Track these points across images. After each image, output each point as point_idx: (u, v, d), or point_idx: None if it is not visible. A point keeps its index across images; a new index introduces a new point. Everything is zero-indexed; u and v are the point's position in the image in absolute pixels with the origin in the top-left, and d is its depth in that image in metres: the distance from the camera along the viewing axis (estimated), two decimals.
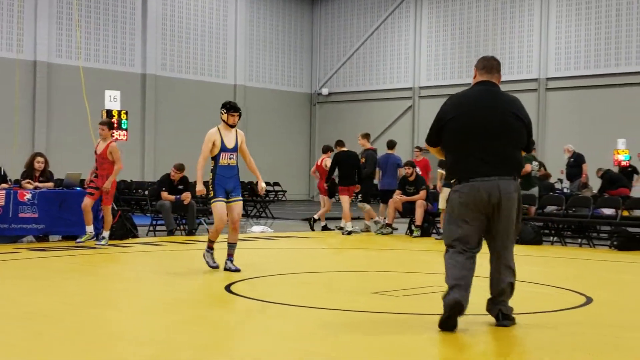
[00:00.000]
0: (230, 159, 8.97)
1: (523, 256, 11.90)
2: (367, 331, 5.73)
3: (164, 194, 14.44)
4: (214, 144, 8.91)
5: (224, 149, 8.94)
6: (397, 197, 15.42)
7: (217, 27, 32.02)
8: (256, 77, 33.53)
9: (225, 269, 9.00)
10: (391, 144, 17.06)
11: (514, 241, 5.97)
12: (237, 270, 8.91)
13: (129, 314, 6.25)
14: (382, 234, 15.38)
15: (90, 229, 11.88)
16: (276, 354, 4.89)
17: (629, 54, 26.42)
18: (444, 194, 14.32)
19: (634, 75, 26.28)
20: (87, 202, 11.80)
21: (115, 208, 13.42)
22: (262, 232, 15.37)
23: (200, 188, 8.93)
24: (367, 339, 5.44)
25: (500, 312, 5.91)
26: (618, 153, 21.11)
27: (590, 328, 5.95)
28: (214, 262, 9.15)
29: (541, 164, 15.75)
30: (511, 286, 5.94)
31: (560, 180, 21.82)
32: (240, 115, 9.04)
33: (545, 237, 14.32)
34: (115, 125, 13.65)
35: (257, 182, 9.38)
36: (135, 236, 13.55)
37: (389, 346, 5.20)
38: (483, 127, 5.73)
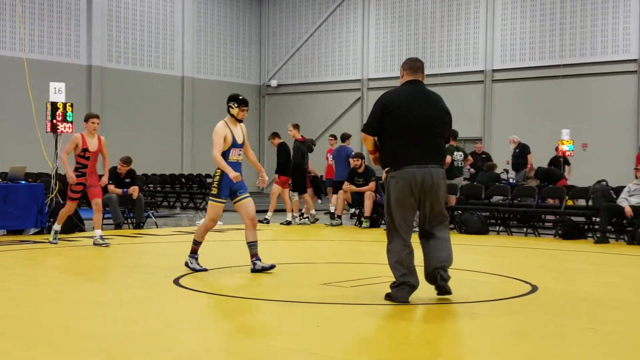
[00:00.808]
0: (239, 155, 8.31)
1: (469, 245, 12.07)
2: (316, 322, 5.75)
3: (111, 187, 14.25)
4: (224, 138, 8.27)
5: (234, 144, 8.30)
6: (346, 188, 15.49)
7: (164, 18, 31.66)
8: (204, 69, 33.25)
9: (255, 270, 8.12)
10: (344, 136, 17.16)
11: (445, 222, 6.66)
12: (273, 267, 8.16)
13: (75, 308, 6.16)
14: (332, 225, 15.42)
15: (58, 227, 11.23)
16: (223, 346, 4.87)
17: (573, 46, 26.92)
18: None
19: (578, 67, 26.77)
20: (71, 208, 11.01)
21: (61, 202, 13.20)
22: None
23: (235, 175, 8.03)
24: (315, 330, 5.46)
25: (439, 274, 6.55)
26: (562, 143, 21.44)
27: (535, 316, 6.07)
28: (202, 266, 8.35)
29: (465, 154, 15.93)
30: (449, 255, 6.61)
31: (506, 171, 22.14)
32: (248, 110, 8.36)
33: (491, 226, 14.54)
34: (60, 118, 13.38)
35: (260, 175, 8.72)
36: (82, 230, 13.35)
37: (337, 336, 5.23)
38: (419, 121, 6.44)
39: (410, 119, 6.43)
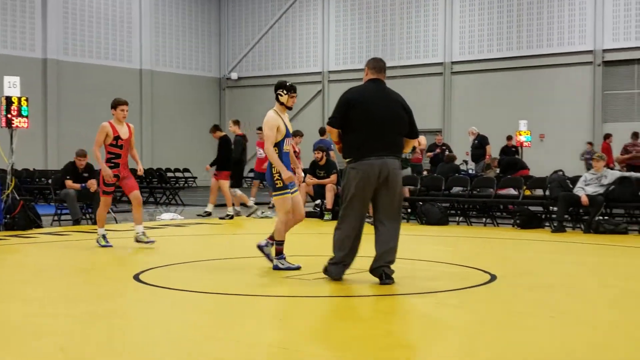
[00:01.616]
0: (289, 145, 8.02)
1: (430, 236, 12.16)
2: (277, 315, 5.75)
3: (69, 183, 14.05)
4: (278, 129, 7.88)
5: (287, 134, 7.93)
6: (308, 181, 15.49)
7: (121, 9, 31.27)
8: (163, 62, 32.96)
9: (274, 269, 7.89)
10: (322, 130, 17.14)
11: (399, 212, 7.09)
12: (299, 267, 7.90)
13: (32, 306, 6.07)
14: None
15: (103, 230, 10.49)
16: (186, 343, 4.85)
17: (530, 37, 27.23)
18: None
19: (535, 58, 27.10)
20: (108, 203, 10.27)
21: (17, 198, 13.00)
22: (171, 219, 15.17)
23: (288, 176, 7.76)
24: (276, 323, 5.45)
25: (384, 272, 6.97)
26: (520, 134, 21.72)
27: (494, 305, 6.14)
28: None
29: (412, 148, 16.20)
30: (394, 249, 7.01)
31: (465, 162, 22.36)
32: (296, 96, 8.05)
33: (451, 217, 14.67)
34: (15, 112, 13.16)
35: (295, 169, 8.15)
36: (39, 226, 13.16)
37: (300, 329, 5.23)
38: (380, 116, 6.95)
39: (371, 114, 6.94)
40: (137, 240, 10.18)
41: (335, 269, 7.17)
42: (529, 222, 13.36)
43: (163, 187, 21.66)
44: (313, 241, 12.05)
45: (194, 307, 6.09)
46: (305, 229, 13.96)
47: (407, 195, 14.77)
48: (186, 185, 26.67)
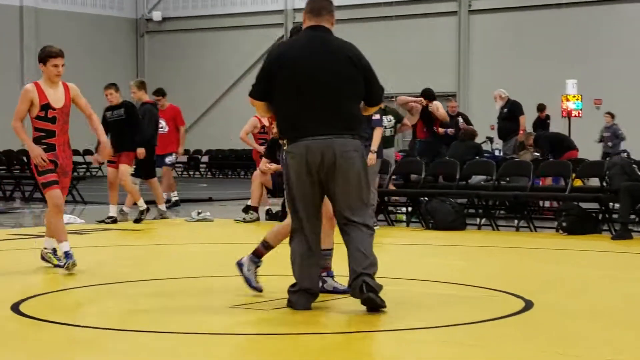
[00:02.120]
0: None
1: (439, 246, 12.20)
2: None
3: None
4: None
5: None
6: (265, 167, 15.37)
7: None
8: None
9: (325, 291, 7.76)
10: None
11: (364, 214, 7.10)
12: (347, 292, 7.58)
13: None
14: (245, 221, 15.41)
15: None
16: None
17: None
18: None
19: None
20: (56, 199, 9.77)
21: None
22: (67, 223, 15.08)
23: None
24: None
25: (365, 283, 6.93)
26: (567, 99, 21.88)
27: (530, 343, 6.17)
28: (258, 284, 8.07)
29: (398, 118, 15.99)
30: (367, 257, 7.01)
31: (490, 140, 22.46)
32: None
33: (469, 218, 14.72)
34: None
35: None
36: None
37: None
38: (311, 78, 7.00)
39: (303, 77, 7.02)
40: (43, 258, 9.86)
41: (299, 299, 7.20)
42: (579, 225, 13.44)
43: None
44: (272, 254, 12.01)
45: (95, 351, 6.07)
46: (260, 237, 13.92)
47: (375, 186, 14.12)
48: (88, 174, 26.54)
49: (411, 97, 17.88)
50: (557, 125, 21.85)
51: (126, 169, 14.97)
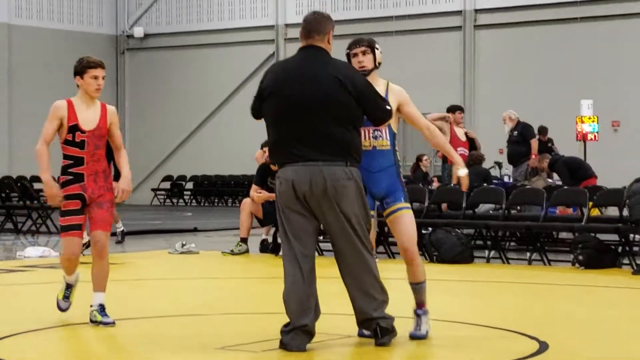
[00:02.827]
0: (374, 137, 7.84)
1: (444, 281, 12.14)
2: None
3: None
4: None
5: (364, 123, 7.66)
6: (255, 195, 15.38)
7: None
8: (27, 11, 32.74)
9: (416, 337, 7.68)
10: None
11: (361, 248, 7.19)
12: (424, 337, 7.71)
13: None
14: (233, 253, 15.37)
15: None
16: None
17: None
18: None
19: (603, 4, 27.26)
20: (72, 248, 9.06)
21: None
22: (41, 256, 15.04)
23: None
24: None
25: (379, 327, 7.18)
26: (582, 121, 21.89)
27: None
28: None
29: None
30: (384, 299, 7.25)
31: (499, 165, 22.44)
32: (365, 52, 7.89)
33: (477, 251, 14.69)
34: None
35: None
36: None
37: None
38: (301, 101, 7.13)
39: (287, 102, 7.18)
40: (92, 321, 8.47)
41: (293, 339, 7.13)
42: (597, 258, 13.41)
43: (27, 207, 21.48)
44: (261, 290, 11.99)
45: None
46: (251, 272, 13.91)
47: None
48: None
49: (441, 114, 17.51)
50: (571, 150, 21.78)
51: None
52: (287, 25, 32.15)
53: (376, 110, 7.28)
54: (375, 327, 7.19)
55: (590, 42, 27.20)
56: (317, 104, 7.12)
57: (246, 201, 15.69)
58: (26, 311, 9.65)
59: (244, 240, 15.58)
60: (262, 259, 15.20)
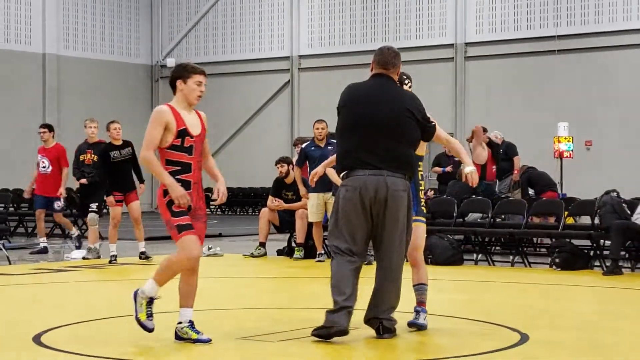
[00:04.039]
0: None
1: (438, 281, 12.15)
2: None
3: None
4: None
5: None
6: (273, 205, 15.44)
7: None
8: (74, 44, 32.82)
9: (414, 324, 7.86)
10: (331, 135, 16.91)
11: (402, 252, 7.35)
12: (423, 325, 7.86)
13: None
14: (253, 255, 15.38)
15: None
16: None
17: (570, 11, 27.44)
18: (312, 201, 14.38)
19: (577, 39, 27.24)
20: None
21: None
22: (84, 258, 15.05)
23: None
24: None
25: (382, 325, 7.27)
26: (559, 141, 21.89)
27: None
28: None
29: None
30: (394, 305, 7.38)
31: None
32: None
33: (466, 254, 14.69)
34: None
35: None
36: None
37: None
38: (372, 119, 7.25)
39: (361, 118, 7.28)
40: (180, 337, 7.31)
41: (339, 317, 7.12)
42: (572, 261, 13.41)
43: (73, 214, 21.50)
44: (278, 288, 12.01)
45: None
46: (268, 272, 13.93)
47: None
48: (105, 211, 26.36)
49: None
50: (549, 166, 21.84)
51: (139, 206, 14.66)
52: (300, 57, 32.18)
53: (430, 129, 7.58)
54: (378, 325, 7.26)
55: (566, 72, 27.21)
56: (387, 122, 7.25)
57: (264, 210, 15.72)
58: (70, 303, 9.66)
59: (263, 245, 15.59)
60: (278, 261, 15.22)
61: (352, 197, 7.15)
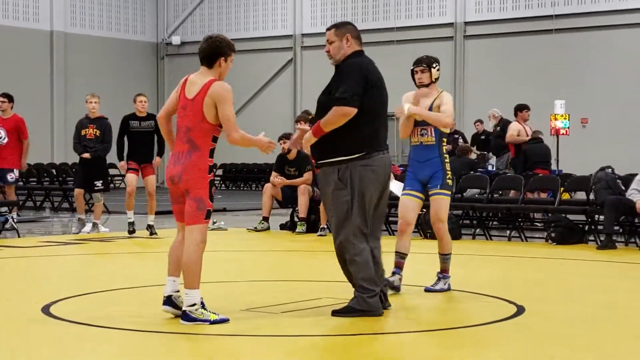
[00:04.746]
0: (421, 135, 8.47)
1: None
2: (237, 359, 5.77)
3: None
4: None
5: (415, 122, 8.50)
6: (276, 180, 15.48)
7: None
8: (81, 21, 32.75)
9: (428, 290, 8.52)
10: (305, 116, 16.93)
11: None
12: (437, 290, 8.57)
13: None
14: (256, 230, 15.43)
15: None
16: None
17: None
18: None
19: (574, 18, 27.19)
20: None
21: None
22: (89, 232, 15.07)
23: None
24: None
25: (382, 294, 7.24)
26: (556, 118, 21.84)
27: (521, 346, 6.19)
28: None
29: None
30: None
31: (484, 155, 22.43)
32: (424, 70, 8.59)
33: (464, 229, 14.72)
34: None
35: None
36: None
37: None
38: (386, 99, 7.26)
39: (386, 97, 7.25)
40: (190, 318, 6.87)
41: (378, 303, 7.11)
42: (567, 235, 13.45)
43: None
44: (281, 261, 12.05)
45: (117, 349, 6.08)
46: (272, 245, 13.97)
47: None
48: (112, 185, 26.43)
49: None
50: (546, 143, 21.86)
51: (154, 180, 14.56)
52: (303, 35, 32.11)
53: None
54: (379, 294, 7.23)
55: (563, 51, 27.18)
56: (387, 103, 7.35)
57: (267, 186, 15.75)
58: (78, 275, 9.70)
59: (266, 219, 15.63)
60: (281, 235, 15.27)
61: (377, 178, 7.09)
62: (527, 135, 17.43)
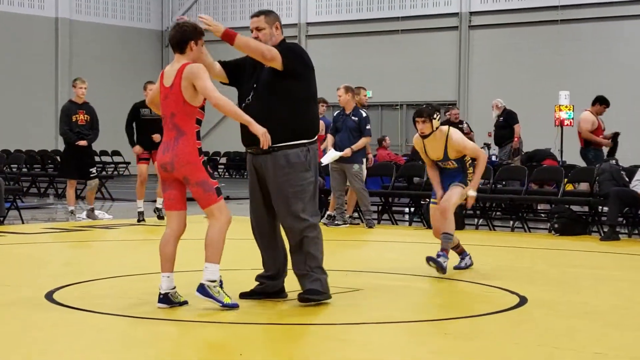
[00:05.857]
0: (443, 163, 9.25)
1: (439, 244, 12.21)
2: (239, 350, 5.77)
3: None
4: None
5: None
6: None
7: None
8: (86, 8, 32.74)
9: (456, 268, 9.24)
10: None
11: None
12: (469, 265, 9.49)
13: None
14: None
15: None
16: None
17: None
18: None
19: (579, 9, 27.14)
20: None
21: None
22: (89, 219, 15.09)
23: None
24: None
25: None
26: (560, 109, 21.81)
27: (523, 337, 6.19)
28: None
29: None
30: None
31: (487, 146, 22.42)
32: (425, 121, 8.97)
33: (468, 219, 14.72)
34: None
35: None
36: None
37: None
38: None
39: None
40: (208, 295, 7.06)
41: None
42: (570, 226, 13.44)
43: (49, 175, 21.49)
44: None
45: (122, 337, 6.09)
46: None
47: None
48: (116, 172, 26.54)
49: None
50: (550, 133, 21.87)
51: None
52: (308, 24, 32.09)
53: None
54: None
55: (568, 42, 27.14)
56: None
57: None
58: (80, 262, 9.70)
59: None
60: None
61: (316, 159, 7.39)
62: (602, 129, 17.07)
